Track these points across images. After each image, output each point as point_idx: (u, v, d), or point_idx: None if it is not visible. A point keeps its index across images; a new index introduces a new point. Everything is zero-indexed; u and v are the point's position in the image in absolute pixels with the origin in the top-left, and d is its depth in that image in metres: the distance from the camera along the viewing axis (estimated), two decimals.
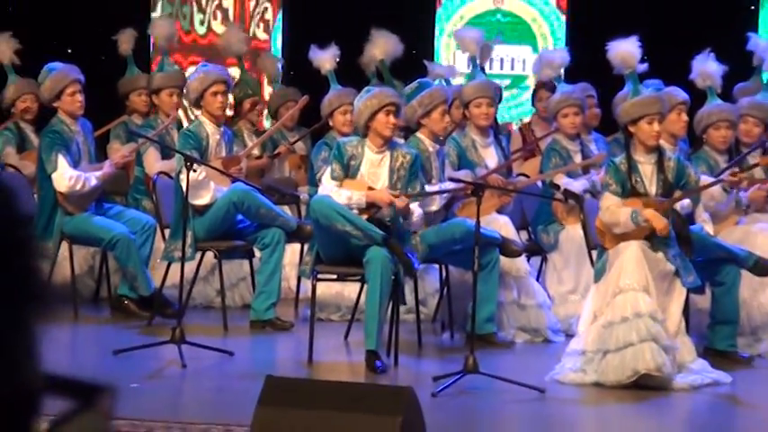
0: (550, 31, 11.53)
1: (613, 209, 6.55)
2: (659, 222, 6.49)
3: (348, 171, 6.93)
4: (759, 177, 7.67)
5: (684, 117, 7.62)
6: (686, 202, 6.78)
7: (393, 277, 6.64)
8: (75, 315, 7.86)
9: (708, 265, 6.88)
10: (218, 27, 11.50)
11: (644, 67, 6.94)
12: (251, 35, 11.36)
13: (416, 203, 6.95)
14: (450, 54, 11.47)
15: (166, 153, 8.46)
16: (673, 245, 6.57)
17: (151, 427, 5.32)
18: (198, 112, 8.05)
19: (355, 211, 6.77)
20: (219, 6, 11.81)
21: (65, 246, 7.95)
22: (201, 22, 11.70)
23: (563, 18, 11.48)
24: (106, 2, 10.52)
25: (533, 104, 9.67)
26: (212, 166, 7.57)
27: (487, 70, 8.70)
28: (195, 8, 11.82)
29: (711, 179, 7.15)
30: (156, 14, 11.39)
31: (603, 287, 6.53)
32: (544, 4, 11.59)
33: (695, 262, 6.65)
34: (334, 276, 7.10)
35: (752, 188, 7.54)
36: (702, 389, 6.40)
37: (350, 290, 7.80)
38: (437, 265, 7.72)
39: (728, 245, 7.06)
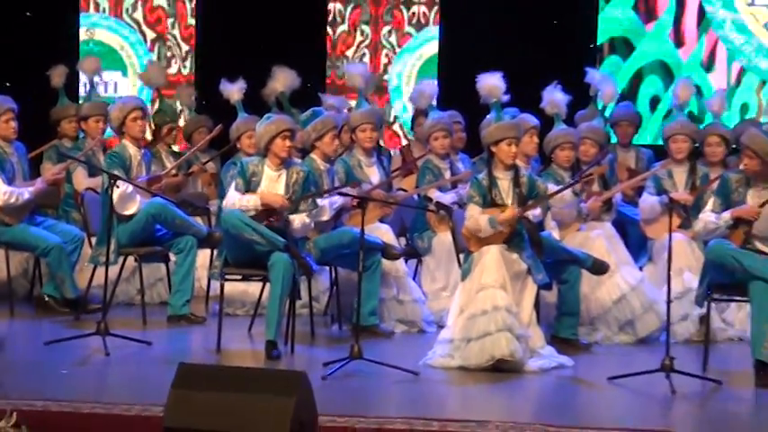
0: None
1: (476, 217, 6.66)
2: (509, 212, 6.59)
3: (250, 186, 6.98)
4: (596, 190, 7.85)
5: (536, 139, 7.74)
6: (537, 211, 6.88)
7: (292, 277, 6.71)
8: (11, 311, 7.81)
9: (555, 265, 6.97)
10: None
11: (507, 97, 7.03)
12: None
13: (305, 215, 7.01)
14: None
15: (93, 172, 8.44)
16: (526, 247, 6.68)
17: (79, 408, 5.32)
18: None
19: (252, 213, 6.81)
20: None
21: (1, 252, 7.89)
22: None
23: None
24: (41, 42, 10.42)
25: (412, 129, 9.70)
26: (135, 184, 7.58)
27: None
28: None
29: (557, 188, 7.30)
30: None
31: (469, 285, 6.61)
32: None
33: (545, 262, 6.75)
34: (240, 277, 7.13)
35: (590, 200, 7.69)
36: (550, 371, 6.50)
37: (253, 288, 7.81)
38: (328, 267, 7.78)
39: (571, 248, 7.16)
